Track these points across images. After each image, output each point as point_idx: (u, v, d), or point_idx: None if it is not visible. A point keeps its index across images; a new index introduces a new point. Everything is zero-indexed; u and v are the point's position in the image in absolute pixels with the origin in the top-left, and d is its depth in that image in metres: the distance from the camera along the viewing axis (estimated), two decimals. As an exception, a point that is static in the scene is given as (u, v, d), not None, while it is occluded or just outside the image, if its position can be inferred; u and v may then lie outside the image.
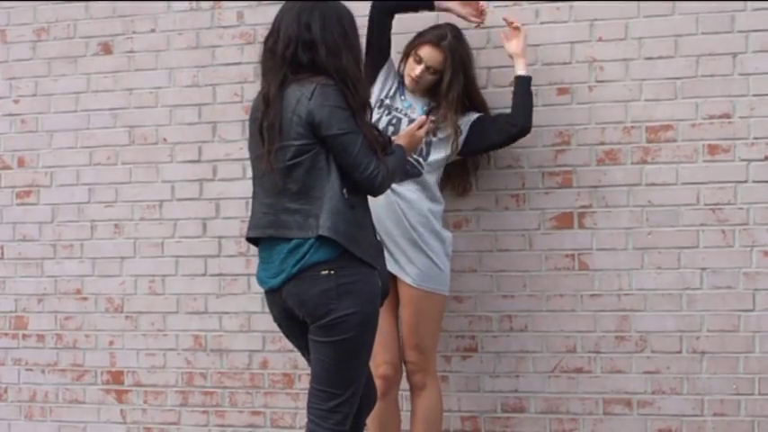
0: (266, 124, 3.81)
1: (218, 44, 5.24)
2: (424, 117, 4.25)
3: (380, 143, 3.93)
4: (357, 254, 3.80)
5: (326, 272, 3.79)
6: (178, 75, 5.30)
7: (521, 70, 4.62)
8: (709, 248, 4.64)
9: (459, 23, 4.67)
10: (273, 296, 3.94)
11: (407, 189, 4.52)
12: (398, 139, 4.11)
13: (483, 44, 4.87)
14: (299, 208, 3.81)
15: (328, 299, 3.79)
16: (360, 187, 3.85)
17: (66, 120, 5.47)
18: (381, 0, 4.65)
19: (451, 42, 4.55)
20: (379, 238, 4.23)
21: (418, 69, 4.57)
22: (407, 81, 4.62)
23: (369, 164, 3.80)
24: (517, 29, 4.65)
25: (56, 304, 5.47)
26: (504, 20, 4.69)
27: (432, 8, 4.71)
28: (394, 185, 4.48)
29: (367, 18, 4.59)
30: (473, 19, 4.71)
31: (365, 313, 3.82)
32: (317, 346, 3.88)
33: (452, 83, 4.56)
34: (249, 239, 4.01)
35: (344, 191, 3.81)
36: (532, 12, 4.85)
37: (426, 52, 4.56)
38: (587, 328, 4.77)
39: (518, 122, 4.60)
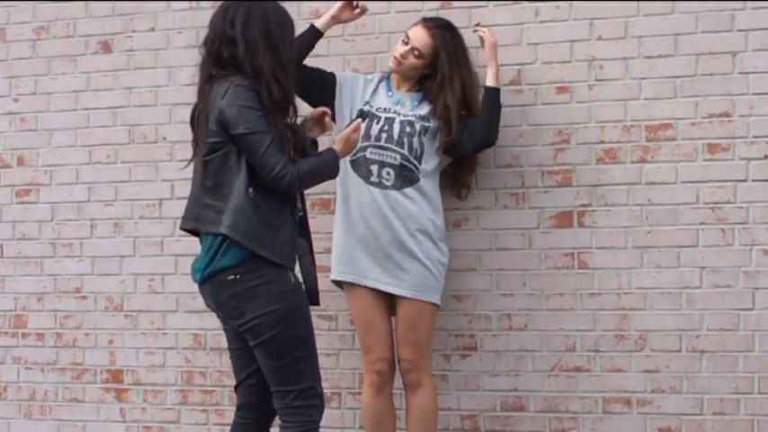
0: (195, 119, 3.96)
1: (218, 43, 5.24)
2: (359, 120, 4.19)
3: (298, 145, 3.93)
4: (261, 253, 3.84)
5: (233, 277, 3.87)
6: (178, 73, 5.30)
7: (489, 81, 4.60)
8: (709, 247, 4.64)
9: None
10: (200, 289, 4.05)
11: (407, 198, 4.52)
12: (334, 143, 4.11)
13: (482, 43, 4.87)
14: (213, 204, 3.91)
15: (238, 302, 3.89)
16: (269, 187, 3.87)
17: (65, 118, 5.47)
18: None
19: (443, 31, 4.54)
20: (362, 240, 4.40)
21: (403, 49, 4.56)
22: (391, 61, 4.60)
23: (275, 164, 3.82)
24: (482, 38, 4.64)
25: (55, 303, 5.47)
26: (475, 27, 4.69)
27: (319, 33, 4.62)
28: (394, 194, 4.49)
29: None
30: (355, 13, 4.63)
31: (279, 311, 3.87)
32: (253, 348, 3.97)
33: (444, 83, 4.53)
34: (183, 229, 4.11)
35: (251, 190, 3.85)
36: (532, 10, 4.85)
37: (414, 32, 4.56)
38: (587, 327, 4.77)
39: (482, 134, 4.57)
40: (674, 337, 4.67)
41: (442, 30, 4.56)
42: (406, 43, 4.56)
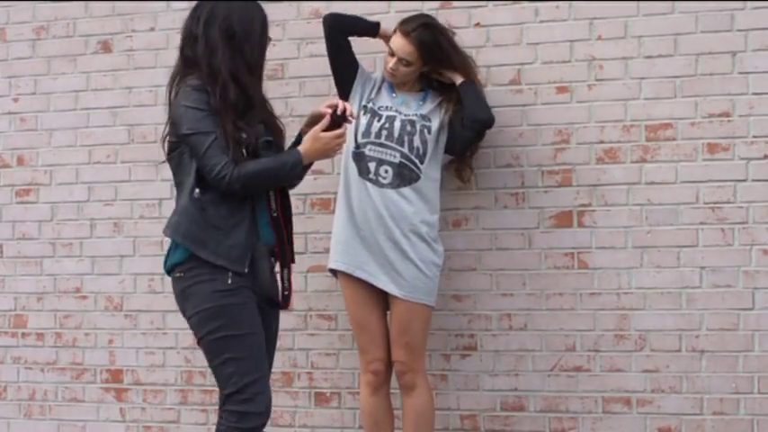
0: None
1: (218, 43, 5.24)
2: (343, 129, 3.97)
3: (251, 146, 3.85)
4: (202, 255, 3.82)
5: (179, 274, 3.90)
6: (177, 73, 5.30)
7: (459, 80, 4.61)
8: (709, 247, 4.64)
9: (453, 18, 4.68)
10: None
11: (402, 197, 4.52)
12: (303, 143, 3.98)
13: (483, 43, 4.88)
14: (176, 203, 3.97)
15: (181, 300, 3.93)
16: (213, 187, 3.83)
17: (65, 118, 5.47)
18: (335, 20, 4.66)
19: (420, 34, 4.51)
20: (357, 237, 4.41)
21: (392, 62, 4.57)
22: (386, 74, 4.62)
23: (215, 165, 3.78)
24: None
25: (55, 303, 5.47)
26: None
27: (376, 35, 4.72)
28: (389, 192, 4.48)
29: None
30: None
31: (210, 311, 3.84)
32: None
33: (442, 61, 4.57)
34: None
35: (197, 191, 3.83)
36: (532, 10, 4.85)
37: (395, 43, 4.56)
38: (587, 327, 4.77)
39: (478, 117, 4.59)
40: (673, 337, 4.67)
41: (419, 32, 4.52)
42: (392, 55, 4.57)
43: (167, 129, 3.93)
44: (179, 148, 3.88)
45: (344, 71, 4.68)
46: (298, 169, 3.96)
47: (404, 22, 4.58)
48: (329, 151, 4.00)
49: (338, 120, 3.95)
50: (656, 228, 4.70)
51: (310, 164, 4.07)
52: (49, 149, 5.50)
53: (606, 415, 4.75)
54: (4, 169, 5.57)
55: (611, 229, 4.74)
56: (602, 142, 4.76)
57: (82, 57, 5.46)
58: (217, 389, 3.97)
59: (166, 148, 3.93)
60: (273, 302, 4.02)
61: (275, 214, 3.98)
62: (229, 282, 3.83)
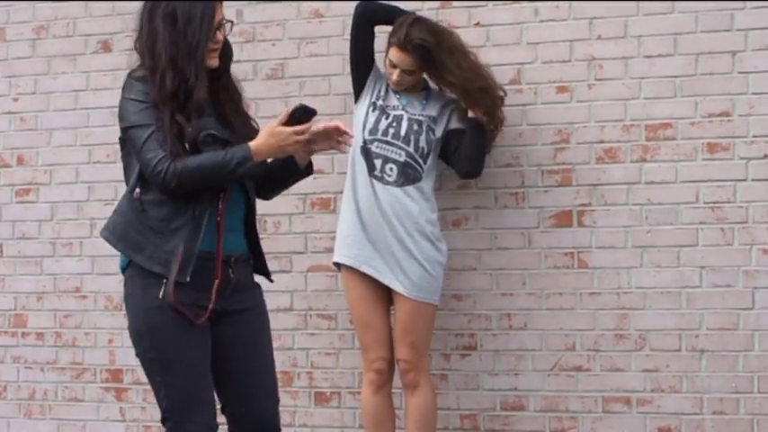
0: None
1: (218, 42, 5.24)
2: (286, 111, 3.57)
3: (192, 139, 3.52)
4: (137, 261, 3.51)
5: (124, 280, 3.62)
6: (177, 73, 5.30)
7: (470, 114, 4.58)
8: (709, 247, 4.64)
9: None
10: None
11: (407, 195, 4.52)
12: (257, 137, 3.57)
13: (483, 42, 4.88)
14: None
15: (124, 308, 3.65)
16: (157, 187, 3.52)
17: (65, 118, 5.47)
18: (369, 8, 4.63)
19: (418, 47, 4.47)
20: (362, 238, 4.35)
21: (395, 74, 4.56)
22: (391, 85, 4.62)
23: (152, 159, 3.46)
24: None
25: (55, 302, 5.47)
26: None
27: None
28: (394, 190, 4.48)
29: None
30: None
31: (134, 328, 3.55)
32: None
33: (442, 76, 4.54)
34: None
35: (137, 191, 3.53)
36: (532, 10, 4.85)
37: (396, 56, 4.53)
38: (586, 327, 4.77)
39: (467, 168, 4.61)
40: (673, 337, 4.67)
41: (417, 45, 4.46)
42: (394, 66, 4.56)
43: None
44: (125, 145, 3.61)
45: (364, 64, 4.65)
46: (247, 165, 3.50)
47: (395, 34, 4.51)
48: (286, 147, 3.55)
49: (298, 116, 3.54)
50: (655, 227, 4.70)
51: (265, 161, 3.60)
52: (48, 149, 5.50)
53: (606, 414, 4.75)
54: (3, 169, 5.56)
55: (611, 228, 4.74)
56: (601, 142, 4.76)
57: (82, 56, 5.46)
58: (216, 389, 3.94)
59: (119, 147, 3.67)
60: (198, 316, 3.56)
61: (219, 218, 3.57)
62: (161, 295, 3.46)
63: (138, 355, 3.60)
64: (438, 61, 4.50)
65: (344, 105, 5.02)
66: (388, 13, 4.65)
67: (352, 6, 4.78)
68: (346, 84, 4.90)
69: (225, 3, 5.19)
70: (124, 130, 3.57)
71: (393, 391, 4.66)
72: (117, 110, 3.63)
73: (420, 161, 4.57)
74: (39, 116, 5.52)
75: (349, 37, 4.71)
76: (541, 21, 4.84)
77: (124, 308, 3.64)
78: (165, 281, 3.47)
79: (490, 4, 4.89)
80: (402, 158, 4.55)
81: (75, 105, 5.47)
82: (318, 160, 5.04)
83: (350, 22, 4.74)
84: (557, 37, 4.81)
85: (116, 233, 3.57)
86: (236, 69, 5.16)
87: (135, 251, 3.53)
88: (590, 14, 4.78)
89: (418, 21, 4.56)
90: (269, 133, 3.54)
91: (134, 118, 3.53)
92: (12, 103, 5.56)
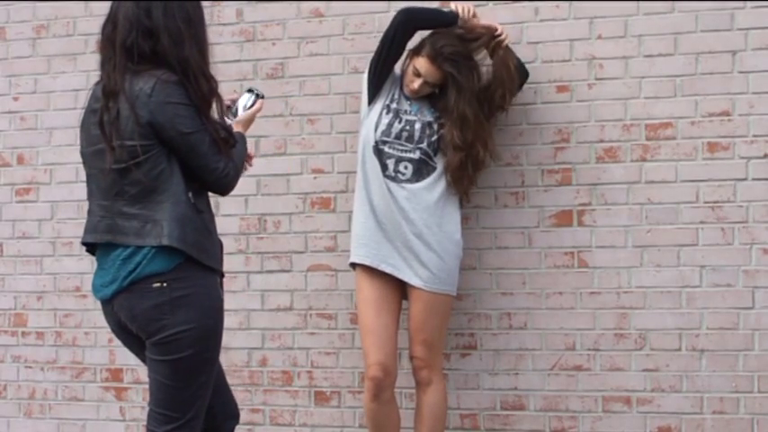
0: (107, 119, 3.51)
1: (218, 41, 5.22)
2: (260, 103, 3.87)
3: (225, 139, 3.58)
4: (205, 263, 3.53)
5: (159, 284, 3.48)
6: (177, 72, 5.29)
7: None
8: (709, 246, 4.64)
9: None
10: (106, 307, 3.65)
11: (425, 190, 4.52)
12: (237, 126, 3.76)
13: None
14: (137, 213, 3.51)
15: (161, 314, 3.48)
16: (211, 189, 3.59)
17: (65, 117, 5.46)
18: (410, 14, 4.57)
19: (450, 66, 4.49)
20: (385, 237, 4.35)
21: (417, 83, 4.56)
22: (407, 91, 4.62)
23: (218, 162, 3.52)
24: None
25: (55, 301, 5.47)
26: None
27: (455, 25, 4.62)
28: (410, 186, 4.48)
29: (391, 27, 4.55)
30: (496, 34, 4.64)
31: (203, 328, 3.52)
32: (153, 364, 3.56)
33: (458, 103, 4.53)
34: (85, 244, 3.68)
35: (190, 194, 3.52)
36: (532, 9, 4.85)
37: (423, 67, 4.54)
38: (586, 326, 4.77)
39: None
40: (673, 336, 4.67)
41: (450, 64, 4.49)
42: (417, 75, 4.55)
43: (125, 132, 3.48)
44: (152, 151, 3.48)
45: (390, 68, 4.63)
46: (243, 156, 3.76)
47: (433, 52, 4.51)
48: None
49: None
50: (655, 227, 4.70)
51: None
52: (49, 148, 5.50)
53: (606, 414, 4.75)
54: (4, 168, 5.57)
55: (611, 228, 4.74)
56: (602, 141, 4.76)
57: (82, 56, 5.46)
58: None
59: (126, 154, 3.47)
60: None
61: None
62: (221, 294, 3.59)
63: (188, 356, 3.51)
64: (458, 87, 4.52)
65: (344, 105, 5.02)
66: (434, 16, 4.60)
67: (352, 6, 4.78)
68: (346, 83, 4.91)
69: (225, 2, 5.25)
70: (181, 135, 3.48)
71: (397, 390, 4.65)
72: (153, 114, 3.48)
73: (432, 155, 4.57)
74: (39, 115, 5.52)
75: (349, 36, 4.71)
76: (542, 20, 4.84)
77: (169, 310, 3.49)
78: (219, 280, 3.60)
79: (490, 3, 4.89)
80: (417, 156, 4.55)
81: (75, 105, 5.45)
82: (319, 160, 5.07)
83: (350, 21, 4.75)
84: (557, 36, 4.81)
85: (189, 241, 3.50)
86: (236, 69, 5.21)
87: (203, 254, 3.54)
88: (590, 14, 4.78)
89: (457, 46, 4.56)
90: (250, 122, 3.85)
91: (191, 124, 3.49)
92: (12, 103, 5.56)
